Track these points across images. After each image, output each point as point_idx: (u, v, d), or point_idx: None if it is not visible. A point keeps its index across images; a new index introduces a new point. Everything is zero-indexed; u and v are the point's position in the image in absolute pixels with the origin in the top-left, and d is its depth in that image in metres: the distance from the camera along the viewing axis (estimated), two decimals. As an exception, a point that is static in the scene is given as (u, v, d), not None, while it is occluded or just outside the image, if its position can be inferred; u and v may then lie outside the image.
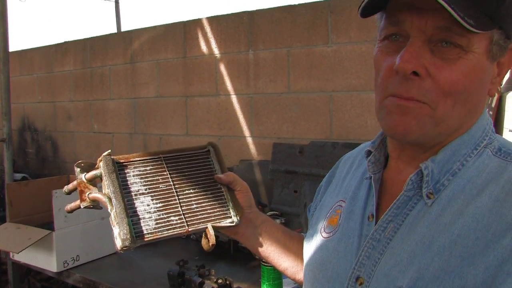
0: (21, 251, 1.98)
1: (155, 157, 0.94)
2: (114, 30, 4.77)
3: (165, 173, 0.93)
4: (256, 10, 2.76)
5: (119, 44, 3.50)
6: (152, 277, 1.95)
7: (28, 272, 3.10)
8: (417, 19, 0.64)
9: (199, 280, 1.73)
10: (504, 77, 0.71)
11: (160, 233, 0.86)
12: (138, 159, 0.93)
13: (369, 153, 0.79)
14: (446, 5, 0.59)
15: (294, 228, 2.34)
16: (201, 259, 2.05)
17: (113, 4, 4.91)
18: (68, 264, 2.07)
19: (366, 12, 0.68)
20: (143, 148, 3.41)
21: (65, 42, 3.94)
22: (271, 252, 0.99)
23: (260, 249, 0.99)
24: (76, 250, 2.10)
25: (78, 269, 2.08)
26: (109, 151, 0.89)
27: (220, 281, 1.71)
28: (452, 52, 0.63)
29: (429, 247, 0.64)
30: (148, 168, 0.92)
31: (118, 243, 0.82)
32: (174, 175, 0.94)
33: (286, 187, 2.56)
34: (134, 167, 0.91)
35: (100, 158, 0.89)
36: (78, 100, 3.87)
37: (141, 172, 0.91)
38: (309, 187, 2.40)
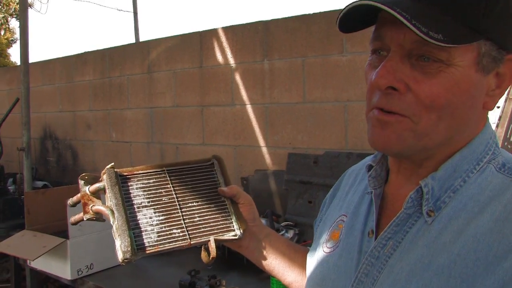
0: (36, 259, 2.02)
1: (159, 170, 0.95)
2: (132, 41, 4.84)
3: (168, 186, 0.93)
4: (271, 19, 2.77)
5: (137, 54, 3.56)
6: (164, 286, 1.96)
7: (46, 279, 3.14)
8: (395, 34, 0.63)
9: (210, 290, 1.73)
10: (506, 88, 0.68)
11: (162, 246, 0.86)
12: (142, 172, 0.93)
13: (370, 167, 0.77)
14: (405, 21, 0.57)
15: (308, 239, 2.32)
16: (214, 269, 2.04)
17: (132, 15, 4.99)
18: (82, 272, 2.09)
19: (352, 27, 0.69)
20: (160, 157, 3.43)
21: (85, 53, 4.02)
22: (276, 265, 0.98)
23: (264, 263, 0.98)
24: (90, 259, 2.12)
25: (92, 277, 2.10)
26: (112, 164, 0.90)
27: (230, 292, 1.71)
28: (432, 66, 0.62)
29: (428, 267, 0.62)
30: (151, 181, 0.93)
31: (120, 255, 0.83)
32: (177, 188, 0.94)
33: (301, 197, 2.54)
34: (138, 180, 0.92)
35: (103, 171, 0.90)
36: (97, 110, 3.93)
37: (144, 185, 0.92)
38: (324, 197, 2.37)
